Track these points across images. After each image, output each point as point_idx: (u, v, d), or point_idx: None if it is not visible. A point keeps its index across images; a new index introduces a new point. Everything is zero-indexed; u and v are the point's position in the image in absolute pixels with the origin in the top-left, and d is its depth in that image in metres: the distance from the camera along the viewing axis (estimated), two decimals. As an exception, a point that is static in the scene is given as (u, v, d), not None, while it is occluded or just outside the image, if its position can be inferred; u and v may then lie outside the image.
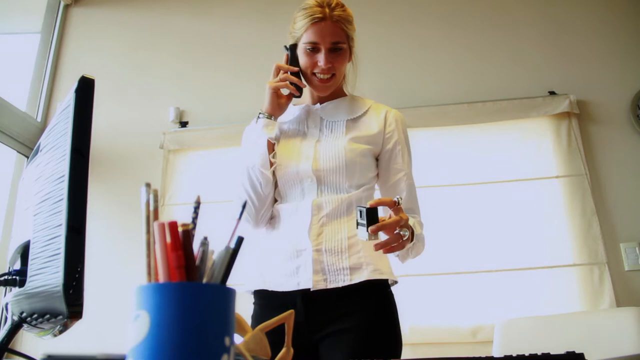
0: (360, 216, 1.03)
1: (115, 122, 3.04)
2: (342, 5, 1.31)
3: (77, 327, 0.63)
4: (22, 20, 3.49)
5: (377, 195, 1.39)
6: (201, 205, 0.51)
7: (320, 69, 1.29)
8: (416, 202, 1.35)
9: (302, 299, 1.20)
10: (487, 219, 2.60)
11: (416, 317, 2.48)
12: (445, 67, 2.98)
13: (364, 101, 1.43)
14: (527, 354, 0.69)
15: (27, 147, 2.93)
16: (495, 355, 1.81)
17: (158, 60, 3.21)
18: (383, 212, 1.11)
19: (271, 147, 1.31)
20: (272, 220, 1.36)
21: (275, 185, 1.35)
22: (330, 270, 1.21)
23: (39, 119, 3.10)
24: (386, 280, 1.29)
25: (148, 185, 0.49)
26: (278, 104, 1.32)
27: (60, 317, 0.62)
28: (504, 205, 2.61)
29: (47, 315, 0.65)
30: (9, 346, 0.74)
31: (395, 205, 1.05)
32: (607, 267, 2.45)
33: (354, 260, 1.22)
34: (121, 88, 3.16)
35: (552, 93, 2.79)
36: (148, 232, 0.47)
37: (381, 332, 1.24)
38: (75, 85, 0.67)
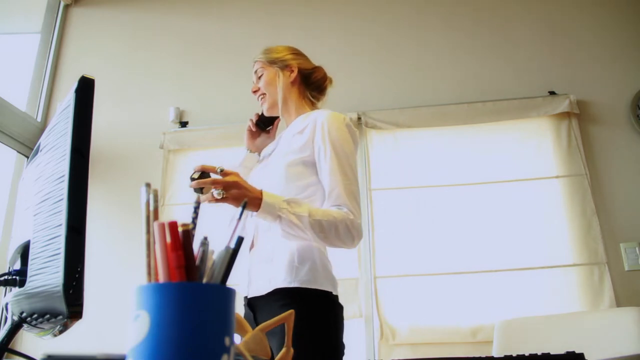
0: (194, 175, 1.23)
1: (115, 122, 3.04)
2: (267, 47, 1.62)
3: (77, 327, 0.63)
4: (22, 20, 3.49)
5: (320, 199, 1.37)
6: (201, 205, 0.51)
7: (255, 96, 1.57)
8: (342, 195, 1.31)
9: (248, 305, 1.37)
10: (487, 219, 2.60)
11: (416, 317, 2.48)
12: (445, 67, 2.98)
13: (313, 114, 1.47)
14: (527, 354, 0.69)
15: (27, 147, 2.93)
16: (495, 355, 1.81)
17: (158, 60, 3.22)
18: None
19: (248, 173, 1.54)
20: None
21: None
22: (256, 278, 1.34)
23: (39, 119, 3.10)
24: (311, 290, 1.27)
25: (148, 185, 0.49)
26: (249, 138, 1.62)
27: (60, 317, 0.62)
28: (504, 205, 2.61)
29: (47, 315, 0.65)
30: (9, 346, 0.74)
31: (216, 172, 1.22)
32: (607, 267, 2.45)
33: (274, 270, 1.30)
34: (121, 88, 3.16)
35: (552, 93, 2.79)
36: (148, 232, 0.47)
37: (299, 338, 1.26)
38: (75, 85, 0.67)
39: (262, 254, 1.34)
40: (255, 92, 1.56)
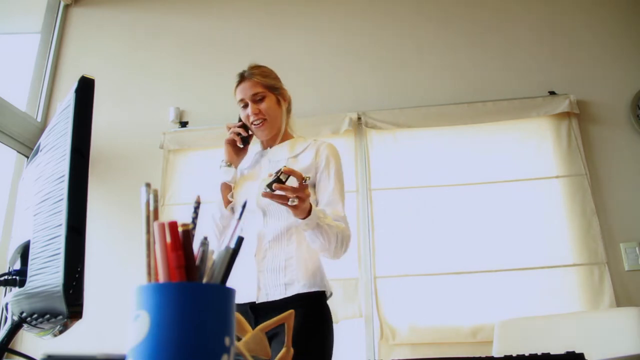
0: (275, 174, 1.27)
1: (115, 122, 3.04)
2: (258, 66, 1.63)
3: (77, 327, 0.63)
4: (22, 20, 3.49)
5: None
6: (201, 205, 0.51)
7: (252, 118, 1.58)
8: (341, 212, 1.52)
9: (251, 310, 1.47)
10: (487, 219, 2.60)
11: (416, 317, 2.48)
12: (446, 67, 2.98)
13: (305, 140, 1.66)
14: (527, 354, 0.69)
15: (27, 147, 2.93)
16: (495, 355, 1.81)
17: (158, 60, 3.22)
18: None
19: (229, 188, 1.61)
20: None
21: None
22: (269, 285, 1.47)
23: (39, 119, 3.10)
24: (319, 293, 1.49)
25: (148, 185, 0.49)
26: (233, 152, 1.63)
27: (60, 317, 0.62)
28: (504, 205, 2.61)
29: (47, 315, 0.65)
30: (9, 346, 0.74)
31: (302, 180, 1.26)
32: (607, 267, 2.45)
33: (289, 277, 1.47)
34: (121, 88, 3.16)
35: (552, 93, 2.79)
36: (148, 232, 0.47)
37: (305, 338, 1.41)
38: (75, 85, 0.67)
39: (275, 262, 1.48)
40: (255, 114, 1.57)
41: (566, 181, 2.64)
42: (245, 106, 1.60)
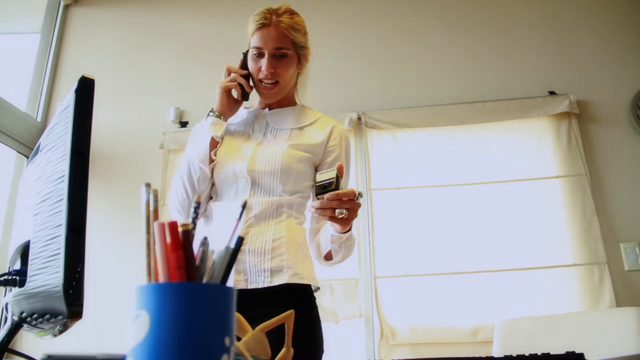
0: (324, 179, 1.07)
1: (115, 122, 3.04)
2: (292, 13, 1.35)
3: (77, 327, 0.63)
4: (22, 20, 3.49)
5: (309, 204, 1.35)
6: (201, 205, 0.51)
7: (264, 74, 1.32)
8: None
9: None
10: (487, 219, 2.60)
11: (416, 317, 2.48)
12: (446, 67, 2.98)
13: (313, 112, 1.44)
14: (527, 354, 0.69)
15: (27, 147, 2.93)
16: (495, 355, 1.81)
17: (158, 60, 3.21)
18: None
19: (214, 144, 1.33)
20: (206, 217, 1.35)
21: (213, 184, 1.36)
22: (252, 271, 1.22)
23: (39, 119, 3.10)
24: (308, 286, 1.27)
25: (148, 185, 0.49)
26: (228, 103, 1.37)
27: (60, 317, 0.62)
28: (504, 205, 2.61)
29: (47, 315, 0.65)
30: (9, 346, 0.74)
31: (354, 197, 1.07)
32: (607, 267, 2.45)
33: (276, 262, 1.22)
34: (121, 88, 3.16)
35: (552, 93, 2.79)
36: (148, 232, 0.47)
37: (297, 337, 1.26)
38: (75, 85, 0.67)
39: (259, 241, 1.26)
40: (271, 73, 1.32)
41: (566, 181, 2.64)
42: (260, 56, 1.33)
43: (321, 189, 1.07)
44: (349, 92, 2.95)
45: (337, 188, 1.06)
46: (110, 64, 3.24)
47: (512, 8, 3.07)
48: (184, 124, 3.01)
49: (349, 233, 1.21)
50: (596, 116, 2.77)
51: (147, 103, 3.11)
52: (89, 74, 0.68)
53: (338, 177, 1.07)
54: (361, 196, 1.09)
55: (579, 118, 2.75)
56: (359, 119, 2.85)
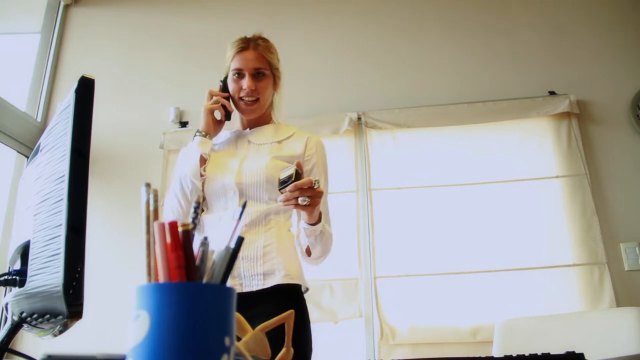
0: (285, 175, 1.22)
1: (115, 122, 3.04)
2: (265, 39, 1.51)
3: (77, 327, 0.63)
4: (22, 20, 3.49)
5: (294, 211, 1.47)
6: (201, 205, 0.51)
7: (245, 92, 1.45)
8: (328, 216, 1.46)
9: None
10: (487, 219, 2.60)
11: (416, 317, 2.48)
12: (446, 67, 2.98)
13: (289, 127, 1.56)
14: (527, 354, 0.69)
15: (27, 147, 2.93)
16: (495, 355, 1.81)
17: (158, 60, 3.21)
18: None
19: (203, 161, 1.45)
20: (198, 231, 1.43)
21: (204, 198, 1.47)
22: (246, 275, 1.34)
23: (39, 119, 3.10)
24: (298, 286, 1.39)
25: (148, 185, 0.49)
26: (212, 124, 1.49)
27: (60, 317, 0.62)
28: (504, 205, 2.61)
29: (47, 315, 0.65)
30: (9, 346, 0.74)
31: (312, 184, 1.19)
32: (607, 267, 2.45)
33: (268, 266, 1.34)
34: (121, 88, 3.16)
35: (552, 93, 2.79)
36: (148, 232, 0.47)
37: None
38: (75, 85, 0.67)
39: (251, 248, 1.36)
40: (251, 90, 1.45)
41: (566, 181, 2.64)
42: (241, 76, 1.47)
43: (282, 184, 1.22)
44: (349, 92, 2.95)
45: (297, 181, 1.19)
46: (110, 64, 3.24)
47: (512, 8, 3.07)
48: (184, 124, 3.01)
49: (320, 225, 1.31)
50: (596, 116, 2.77)
51: (147, 103, 3.11)
52: (89, 74, 0.68)
53: (297, 172, 1.19)
54: (318, 183, 1.19)
55: (579, 118, 2.75)
56: (359, 119, 2.85)
